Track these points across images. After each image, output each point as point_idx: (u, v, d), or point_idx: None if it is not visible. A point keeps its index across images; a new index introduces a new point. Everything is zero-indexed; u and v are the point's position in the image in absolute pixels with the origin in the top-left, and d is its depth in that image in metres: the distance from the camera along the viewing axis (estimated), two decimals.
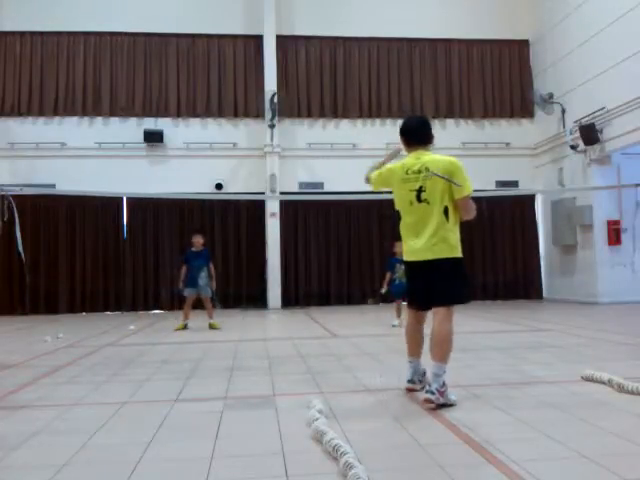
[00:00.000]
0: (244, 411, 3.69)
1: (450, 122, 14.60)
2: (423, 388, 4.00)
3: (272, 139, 13.76)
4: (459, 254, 3.80)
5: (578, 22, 12.77)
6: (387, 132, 13.25)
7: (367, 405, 3.74)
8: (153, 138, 13.60)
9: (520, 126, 14.86)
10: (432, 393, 3.55)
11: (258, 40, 14.08)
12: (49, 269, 13.23)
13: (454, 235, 3.79)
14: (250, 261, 13.88)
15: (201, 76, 14.01)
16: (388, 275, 8.76)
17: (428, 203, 3.74)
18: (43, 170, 13.07)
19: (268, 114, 13.71)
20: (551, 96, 13.58)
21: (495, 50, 14.86)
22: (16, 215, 6.81)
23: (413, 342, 4.03)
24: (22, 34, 13.62)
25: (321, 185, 13.97)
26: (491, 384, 4.24)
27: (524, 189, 14.52)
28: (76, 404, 3.97)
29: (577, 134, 12.51)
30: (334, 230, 14.19)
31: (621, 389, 3.82)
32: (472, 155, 14.09)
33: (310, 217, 14.18)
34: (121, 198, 13.50)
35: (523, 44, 14.95)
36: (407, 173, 3.83)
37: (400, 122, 4.20)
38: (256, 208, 13.86)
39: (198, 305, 9.28)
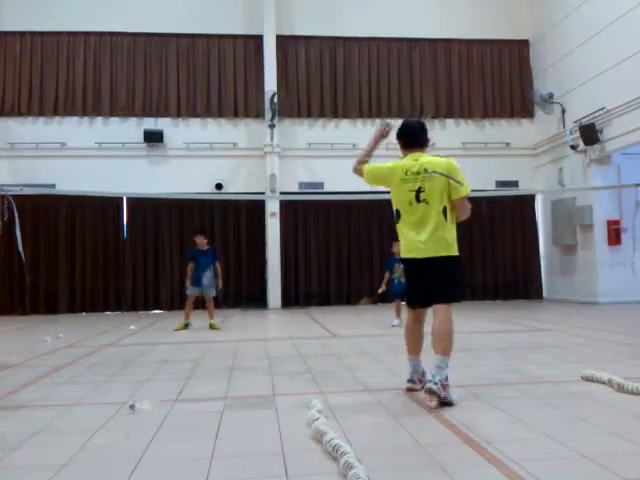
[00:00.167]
0: (244, 411, 3.68)
1: (450, 122, 14.60)
2: (423, 388, 4.01)
3: (272, 139, 13.76)
4: (456, 252, 3.90)
5: (578, 22, 12.77)
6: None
7: (367, 405, 3.74)
8: (153, 138, 13.60)
9: (520, 126, 14.87)
10: (435, 384, 3.57)
11: (258, 40, 14.09)
12: (49, 269, 13.23)
13: (452, 234, 3.89)
14: (250, 261, 13.89)
15: (201, 76, 14.01)
16: (387, 275, 8.77)
17: (427, 203, 3.82)
18: (43, 170, 13.07)
19: (268, 114, 13.71)
20: (551, 96, 13.58)
21: (495, 50, 14.86)
22: (16, 215, 6.82)
23: (413, 340, 4.06)
24: (22, 34, 13.63)
25: (321, 185, 13.97)
26: (491, 384, 4.24)
27: (524, 189, 14.52)
28: (76, 404, 3.97)
29: (577, 134, 12.51)
30: (334, 230, 14.19)
31: (621, 389, 3.82)
32: (472, 155, 14.12)
33: (310, 217, 14.18)
34: (121, 198, 13.50)
35: (523, 44, 14.95)
36: (406, 174, 3.90)
37: (400, 122, 4.24)
38: (256, 208, 13.86)
39: (200, 305, 9.28)
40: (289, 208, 13.88)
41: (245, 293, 13.78)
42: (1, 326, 10.33)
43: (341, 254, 14.18)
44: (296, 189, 13.88)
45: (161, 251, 13.70)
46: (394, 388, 4.14)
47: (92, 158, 13.41)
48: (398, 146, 4.17)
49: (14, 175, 13.01)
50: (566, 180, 13.34)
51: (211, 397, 4.07)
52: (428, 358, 4.05)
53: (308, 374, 4.86)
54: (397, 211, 4.01)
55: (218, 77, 14.07)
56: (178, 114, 13.93)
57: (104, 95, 13.73)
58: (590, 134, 12.01)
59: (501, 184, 14.38)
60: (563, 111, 13.31)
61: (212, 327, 8.86)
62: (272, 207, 13.58)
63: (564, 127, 13.27)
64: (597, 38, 12.07)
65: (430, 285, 3.86)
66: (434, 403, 3.55)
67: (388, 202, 4.21)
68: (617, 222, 12.39)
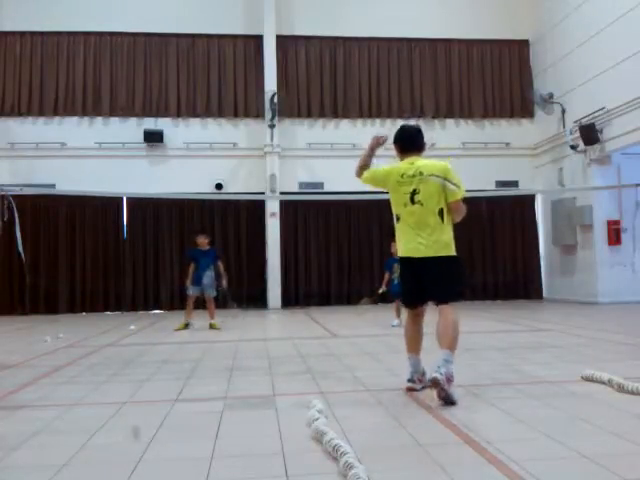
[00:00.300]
0: (244, 411, 3.69)
1: (450, 122, 14.60)
2: (423, 388, 4.02)
3: (272, 139, 13.76)
4: (455, 253, 3.97)
5: (578, 22, 12.77)
6: (387, 132, 13.23)
7: (367, 405, 3.74)
8: (153, 138, 13.60)
9: (520, 126, 14.86)
10: (440, 374, 3.57)
11: (258, 40, 14.08)
12: (49, 269, 13.23)
13: (449, 235, 3.96)
14: (250, 261, 13.89)
15: (201, 76, 14.01)
16: (387, 275, 8.76)
17: (421, 205, 3.91)
18: (43, 170, 13.07)
19: (268, 114, 13.71)
20: (551, 96, 13.58)
21: (495, 50, 14.86)
22: (16, 215, 6.82)
23: (412, 339, 4.09)
24: (22, 34, 13.63)
25: (321, 185, 13.97)
26: (491, 384, 4.24)
27: (524, 189, 14.52)
28: (76, 404, 3.97)
29: (577, 134, 12.51)
30: (334, 230, 14.19)
31: (621, 389, 3.82)
32: (472, 155, 14.13)
33: (310, 217, 14.18)
34: (121, 198, 13.50)
35: (523, 44, 14.94)
36: (402, 177, 4.00)
37: (400, 122, 4.30)
38: (256, 208, 13.85)
39: (200, 305, 9.28)
40: (289, 208, 13.87)
41: (245, 293, 13.78)
42: (1, 326, 10.33)
43: (341, 254, 14.17)
44: (296, 189, 13.87)
45: (161, 251, 13.70)
46: (394, 388, 4.14)
47: (92, 158, 13.41)
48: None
49: (14, 175, 13.01)
50: (566, 180, 13.34)
51: (211, 397, 4.07)
52: (428, 358, 4.05)
53: (308, 374, 4.87)
54: (397, 216, 4.10)
55: (218, 77, 14.07)
56: (178, 114, 13.93)
57: (104, 95, 13.73)
58: (590, 134, 12.01)
59: (501, 184, 14.38)
60: (563, 111, 13.31)
61: (212, 327, 8.86)
62: (272, 207, 13.58)
63: (564, 127, 13.27)
64: (597, 38, 12.07)
65: (429, 284, 3.91)
66: (438, 394, 3.57)
67: (388, 202, 4.24)
68: (617, 222, 12.39)
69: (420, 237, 3.91)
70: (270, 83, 13.80)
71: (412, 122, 14.10)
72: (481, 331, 7.88)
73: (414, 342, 4.08)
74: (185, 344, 7.30)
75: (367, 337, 7.56)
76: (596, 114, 11.98)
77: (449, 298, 3.89)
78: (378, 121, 14.36)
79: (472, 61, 14.76)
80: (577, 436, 2.91)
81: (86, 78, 13.74)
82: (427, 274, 3.91)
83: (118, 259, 13.55)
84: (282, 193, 13.51)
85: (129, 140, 13.65)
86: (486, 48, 14.81)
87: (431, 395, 3.87)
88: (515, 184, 14.52)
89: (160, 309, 13.47)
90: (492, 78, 14.81)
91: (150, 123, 13.79)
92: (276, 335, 8.81)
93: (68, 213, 13.50)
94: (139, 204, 13.65)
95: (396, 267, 8.37)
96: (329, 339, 7.51)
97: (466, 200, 4.05)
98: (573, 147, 12.79)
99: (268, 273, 13.56)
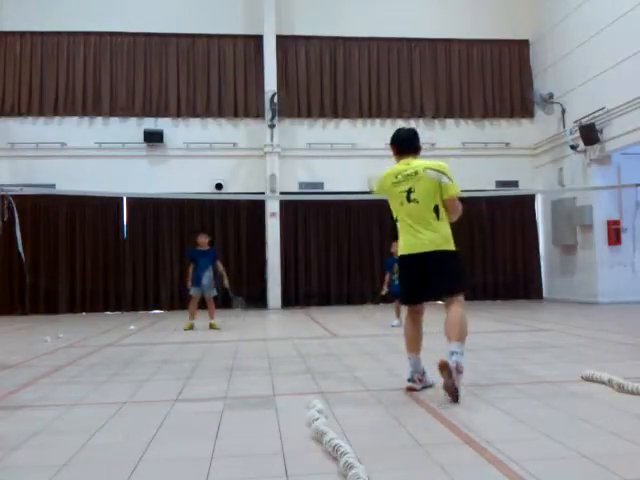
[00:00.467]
0: (244, 411, 3.69)
1: (450, 122, 14.60)
2: (423, 388, 4.02)
3: (272, 139, 13.77)
4: (454, 247, 4.02)
5: (578, 22, 12.77)
6: (387, 132, 13.10)
7: (367, 405, 3.74)
8: (153, 138, 13.60)
9: (520, 126, 14.87)
10: (451, 361, 3.59)
11: (258, 40, 14.09)
12: (49, 269, 13.23)
13: (446, 230, 4.01)
14: (250, 261, 13.89)
15: (201, 76, 14.01)
16: (388, 276, 8.75)
17: (417, 202, 3.98)
18: (43, 170, 13.07)
19: (268, 114, 13.71)
20: (551, 96, 13.58)
21: (495, 50, 14.86)
22: (16, 215, 6.82)
23: (412, 339, 4.10)
24: (22, 34, 13.63)
25: (321, 185, 13.97)
26: (491, 384, 4.24)
27: (524, 189, 14.52)
28: (76, 404, 3.97)
29: (577, 134, 12.51)
30: (334, 230, 14.19)
31: (621, 389, 3.82)
32: (472, 155, 14.14)
33: (310, 217, 14.18)
34: (121, 198, 13.51)
35: (523, 44, 14.95)
36: (397, 177, 4.09)
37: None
38: (256, 208, 13.86)
39: (202, 305, 9.28)
40: (289, 208, 13.87)
41: (245, 293, 13.76)
42: (1, 326, 10.33)
43: (341, 254, 14.17)
44: (296, 189, 13.88)
45: (161, 251, 13.70)
46: (394, 388, 4.14)
47: (92, 158, 13.41)
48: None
49: (14, 175, 13.01)
50: (566, 180, 13.34)
51: (211, 397, 4.07)
52: (428, 358, 4.05)
53: (308, 374, 4.86)
54: (395, 217, 4.18)
55: (218, 77, 14.08)
56: (178, 114, 13.93)
57: (104, 95, 13.73)
58: (590, 134, 12.01)
59: (501, 184, 14.38)
60: (563, 111, 13.31)
61: (212, 327, 8.87)
62: (272, 207, 13.58)
63: (564, 127, 13.27)
64: (597, 38, 12.07)
65: (433, 278, 3.95)
66: (445, 383, 3.59)
67: (388, 202, 4.26)
68: (617, 222, 12.39)
69: (420, 233, 3.97)
70: (270, 83, 13.80)
71: (412, 122, 14.15)
72: (481, 331, 7.87)
73: (414, 342, 4.09)
74: (185, 344, 7.30)
75: (367, 337, 7.56)
76: (596, 114, 11.98)
77: (454, 289, 3.95)
78: (378, 121, 14.36)
79: (472, 61, 14.76)
80: (577, 436, 2.91)
81: (86, 78, 13.74)
82: (430, 269, 3.95)
83: (118, 259, 13.55)
84: (282, 193, 13.51)
85: (129, 140, 13.65)
86: (486, 48, 14.82)
87: (431, 395, 3.88)
88: (515, 184, 14.52)
89: (160, 309, 13.47)
90: (492, 78, 14.81)
91: (150, 123, 13.80)
92: (276, 335, 8.81)
93: (68, 213, 13.51)
94: (139, 204, 13.65)
95: (396, 267, 8.36)
96: (329, 339, 7.51)
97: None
98: (573, 147, 12.79)
99: (268, 273, 13.56)
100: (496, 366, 5.01)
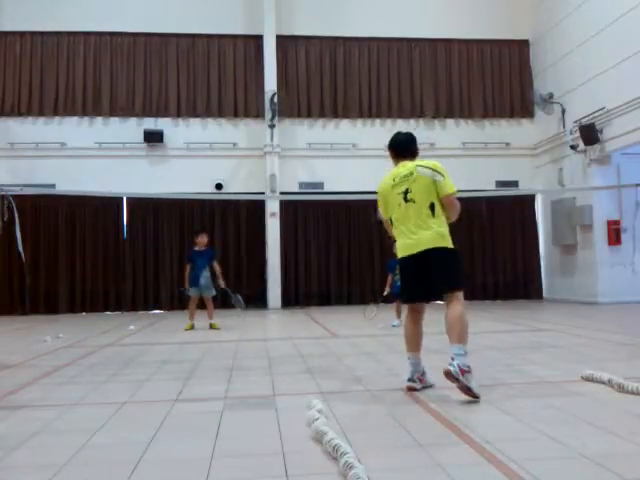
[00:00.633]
0: (244, 411, 3.69)
1: (450, 122, 14.59)
2: (423, 388, 4.03)
3: (272, 139, 13.77)
4: (452, 245, 4.04)
5: (578, 22, 12.77)
6: (387, 132, 13.12)
7: (367, 405, 3.74)
8: (153, 138, 13.60)
9: (520, 126, 14.87)
10: (453, 366, 3.63)
11: (258, 40, 14.09)
12: (49, 269, 13.24)
13: (443, 228, 4.03)
14: (250, 261, 13.89)
15: (201, 76, 14.01)
16: (390, 277, 8.74)
17: (414, 202, 4.03)
18: (43, 170, 13.08)
19: (268, 114, 13.71)
20: (551, 96, 13.58)
21: (495, 50, 14.86)
22: (16, 215, 6.82)
23: (412, 338, 4.12)
24: (22, 34, 13.63)
25: (321, 185, 13.98)
26: (491, 384, 4.24)
27: (524, 189, 14.52)
28: (76, 404, 3.97)
29: (577, 134, 12.51)
30: (334, 230, 14.19)
31: (621, 389, 3.82)
32: (472, 155, 14.14)
33: (310, 217, 14.18)
34: (121, 198, 13.50)
35: (523, 44, 14.95)
36: (394, 180, 4.16)
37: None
38: (256, 208, 13.86)
39: (202, 305, 9.28)
40: (289, 208, 13.87)
41: (245, 293, 13.74)
42: (1, 326, 10.33)
43: (341, 254, 14.17)
44: (296, 189, 13.88)
45: (161, 251, 13.71)
46: (394, 388, 4.14)
47: (92, 158, 13.41)
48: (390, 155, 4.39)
49: (14, 175, 13.00)
50: (566, 180, 13.34)
51: (211, 397, 4.07)
52: (429, 358, 4.05)
53: (308, 374, 4.86)
54: (392, 220, 4.21)
55: (218, 77, 14.08)
56: (178, 114, 13.94)
57: (104, 95, 13.73)
58: (590, 134, 12.01)
59: (501, 184, 14.38)
60: (563, 111, 13.31)
61: (212, 327, 8.87)
62: (272, 207, 13.58)
63: (564, 127, 13.27)
64: (597, 38, 12.07)
65: (433, 274, 3.97)
66: (459, 388, 3.64)
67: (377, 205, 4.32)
68: (617, 222, 12.39)
69: (415, 234, 4.01)
70: (270, 83, 13.80)
71: (412, 122, 14.15)
72: (481, 331, 7.87)
73: (414, 341, 4.10)
74: (185, 344, 7.30)
75: (367, 337, 7.55)
76: (596, 114, 11.98)
77: (454, 285, 3.96)
78: (378, 121, 14.35)
79: (472, 61, 14.76)
80: (577, 436, 2.91)
81: (86, 78, 13.74)
82: (428, 266, 3.97)
83: (118, 259, 13.56)
84: (282, 193, 13.51)
85: (129, 140, 13.65)
86: (486, 48, 14.82)
87: (431, 395, 3.88)
88: (515, 184, 14.52)
89: (160, 309, 13.47)
90: (492, 78, 14.81)
91: (150, 123, 13.80)
92: (276, 335, 8.81)
93: (68, 213, 13.51)
94: (139, 204, 13.65)
95: (398, 268, 8.36)
96: (329, 339, 7.51)
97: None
98: (573, 147, 12.79)
99: (268, 273, 13.57)
100: (496, 366, 5.01)
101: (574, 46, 12.92)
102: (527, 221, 14.78)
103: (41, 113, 13.61)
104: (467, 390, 3.66)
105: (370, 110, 14.37)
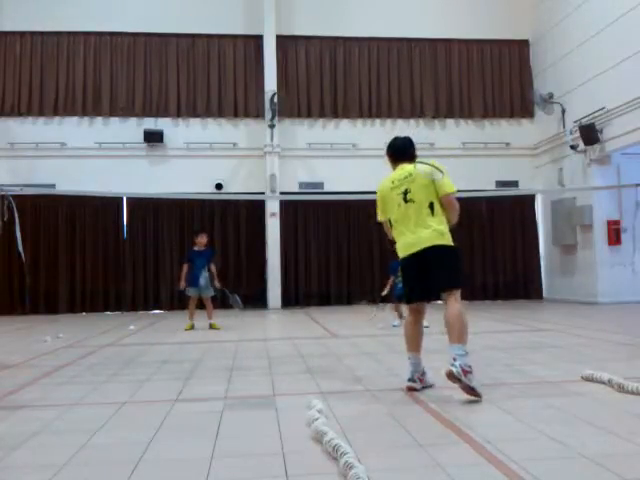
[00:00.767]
0: (244, 411, 3.69)
1: (450, 122, 14.59)
2: (423, 388, 4.03)
3: (272, 139, 13.76)
4: (452, 243, 4.06)
5: (578, 22, 12.77)
6: (387, 132, 13.23)
7: (367, 405, 3.74)
8: (153, 138, 13.60)
9: (520, 126, 14.86)
10: (455, 367, 3.65)
11: (258, 40, 14.08)
12: (49, 269, 13.23)
13: (442, 226, 4.05)
14: (250, 261, 13.88)
15: (201, 76, 14.01)
16: (391, 279, 8.73)
17: (413, 202, 4.06)
18: (43, 170, 13.08)
19: (268, 114, 13.71)
20: (551, 96, 13.58)
21: (495, 50, 14.86)
22: (16, 215, 6.82)
23: (412, 338, 4.13)
24: (22, 34, 13.63)
25: (321, 185, 13.97)
26: (491, 384, 4.24)
27: (524, 189, 14.52)
28: (76, 404, 3.97)
29: (577, 134, 12.51)
30: (334, 230, 14.19)
31: (621, 389, 3.82)
32: (472, 155, 14.14)
33: (310, 217, 14.17)
34: (121, 198, 13.50)
35: (523, 44, 14.94)
36: (393, 182, 4.18)
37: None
38: (256, 208, 13.85)
39: (201, 305, 9.28)
40: (289, 208, 13.87)
41: (245, 293, 13.75)
42: (1, 326, 10.33)
43: (341, 254, 14.17)
44: (296, 189, 13.87)
45: (161, 251, 13.71)
46: (394, 388, 4.15)
47: (92, 158, 13.41)
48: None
49: (14, 175, 13.00)
50: (566, 180, 13.33)
51: (211, 397, 4.07)
52: (428, 358, 4.05)
53: (308, 374, 4.87)
54: (391, 221, 4.22)
55: (218, 77, 14.07)
56: (178, 114, 13.93)
57: (104, 95, 13.73)
58: (590, 134, 12.01)
59: (501, 184, 14.38)
60: (563, 111, 13.31)
61: (212, 327, 8.87)
62: (272, 207, 13.58)
63: (564, 127, 13.27)
64: (597, 38, 12.07)
65: (433, 272, 3.99)
66: (462, 388, 3.66)
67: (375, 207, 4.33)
68: (617, 222, 12.39)
69: (414, 234, 4.02)
70: (270, 83, 13.80)
71: (412, 122, 14.15)
72: (481, 331, 7.87)
73: (414, 341, 4.11)
74: (185, 344, 7.30)
75: (367, 337, 7.55)
76: (596, 114, 11.98)
77: (452, 284, 3.97)
78: (378, 121, 14.35)
79: (472, 61, 14.76)
80: (577, 436, 2.91)
81: (86, 78, 13.74)
82: (429, 264, 3.98)
83: (118, 259, 13.56)
84: (282, 193, 13.51)
85: (129, 140, 13.65)
86: (486, 48, 14.81)
87: (431, 395, 3.88)
88: (515, 184, 14.52)
89: (160, 309, 13.47)
90: (492, 78, 14.80)
91: (150, 123, 13.79)
92: (276, 335, 8.82)
93: (68, 213, 13.50)
94: (139, 204, 13.65)
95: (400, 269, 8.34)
96: (329, 339, 7.51)
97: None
98: (573, 147, 12.79)
99: (268, 273, 13.56)
100: (496, 366, 5.01)
101: (574, 46, 12.92)
102: (527, 221, 14.78)
103: (41, 113, 13.61)
104: (470, 390, 3.66)
105: (370, 110, 14.36)
